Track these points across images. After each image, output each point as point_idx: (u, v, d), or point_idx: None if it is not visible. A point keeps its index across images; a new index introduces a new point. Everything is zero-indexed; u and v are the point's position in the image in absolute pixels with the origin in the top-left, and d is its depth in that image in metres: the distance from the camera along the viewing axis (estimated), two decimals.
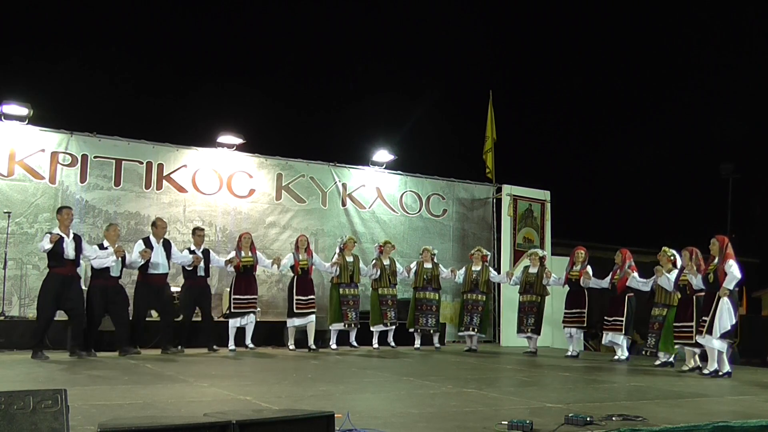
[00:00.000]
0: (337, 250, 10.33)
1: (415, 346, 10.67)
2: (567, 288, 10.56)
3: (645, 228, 22.74)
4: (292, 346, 9.92)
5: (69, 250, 8.17)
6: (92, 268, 8.68)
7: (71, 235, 8.30)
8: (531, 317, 10.59)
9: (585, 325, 10.36)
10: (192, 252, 9.44)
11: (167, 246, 9.28)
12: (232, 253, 9.71)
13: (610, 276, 10.05)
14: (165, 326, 9.22)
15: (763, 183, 23.71)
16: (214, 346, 9.40)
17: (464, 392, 6.17)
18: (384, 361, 9.18)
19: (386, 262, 10.60)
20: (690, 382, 7.65)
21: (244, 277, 9.67)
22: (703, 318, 8.08)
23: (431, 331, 10.72)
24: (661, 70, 27.98)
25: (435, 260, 10.83)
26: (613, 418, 4.73)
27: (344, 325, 10.19)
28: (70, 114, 13.11)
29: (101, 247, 8.70)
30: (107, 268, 8.62)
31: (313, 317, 9.92)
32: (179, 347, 9.16)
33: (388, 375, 7.66)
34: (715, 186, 24.61)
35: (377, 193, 12.47)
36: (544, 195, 13.49)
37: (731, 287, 7.91)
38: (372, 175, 12.48)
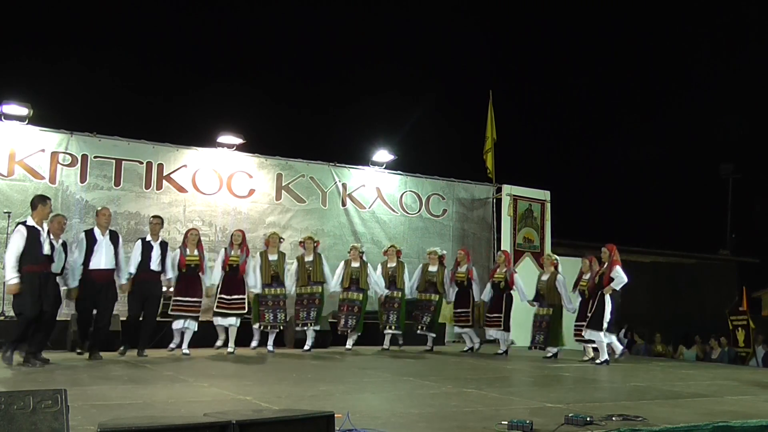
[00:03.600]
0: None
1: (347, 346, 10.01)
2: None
3: (645, 228, 22.77)
4: (219, 343, 9.16)
5: (46, 246, 7.34)
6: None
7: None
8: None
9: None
10: (146, 243, 8.68)
11: (114, 239, 8.34)
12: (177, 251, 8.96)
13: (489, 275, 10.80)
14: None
15: (763, 183, 23.74)
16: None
17: (464, 392, 6.17)
18: (384, 361, 9.18)
19: (309, 258, 9.91)
20: (690, 382, 7.65)
21: (188, 277, 8.89)
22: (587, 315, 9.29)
23: (348, 332, 10.08)
24: (661, 71, 28.02)
25: (364, 259, 10.25)
26: (613, 418, 4.73)
27: (260, 327, 9.41)
28: (70, 114, 13.12)
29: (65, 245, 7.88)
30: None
31: (234, 319, 9.14)
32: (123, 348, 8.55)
33: (387, 375, 7.66)
34: (716, 186, 24.66)
35: (377, 193, 12.46)
36: (544, 195, 13.49)
37: (618, 288, 9.18)
38: (372, 175, 12.47)
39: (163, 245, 8.81)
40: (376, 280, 10.13)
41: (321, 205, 11.94)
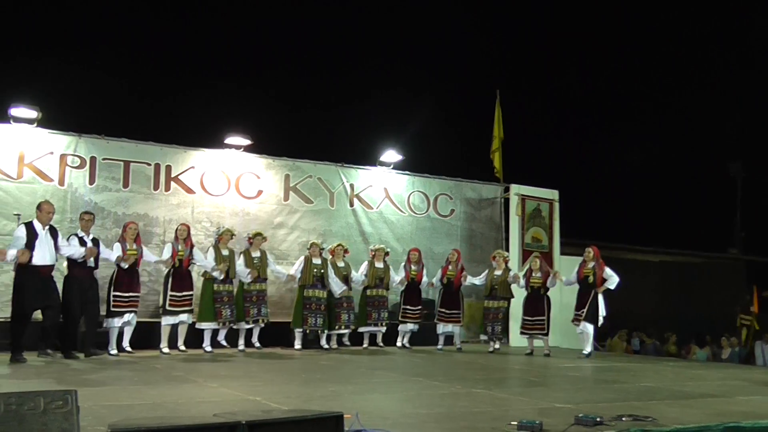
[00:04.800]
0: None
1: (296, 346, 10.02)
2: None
3: (653, 227, 22.65)
4: (165, 349, 9.08)
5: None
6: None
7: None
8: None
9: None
10: (80, 239, 8.51)
11: (54, 234, 8.25)
12: (117, 247, 8.88)
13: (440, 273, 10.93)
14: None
15: None
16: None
17: (473, 393, 6.17)
18: (393, 361, 9.18)
19: (256, 254, 9.92)
20: (700, 382, 7.62)
21: (128, 272, 8.85)
22: (580, 310, 10.06)
23: (319, 332, 10.13)
24: (669, 68, 27.87)
25: (323, 255, 10.37)
26: (623, 419, 4.72)
27: (217, 324, 9.46)
28: (79, 116, 13.10)
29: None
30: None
31: (186, 316, 9.20)
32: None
33: (396, 375, 7.66)
34: (725, 185, 24.53)
35: (385, 193, 12.46)
36: (553, 194, 13.46)
37: (612, 287, 10.11)
38: (379, 175, 12.47)
39: (95, 242, 8.69)
40: (333, 279, 10.22)
41: (329, 206, 11.94)
